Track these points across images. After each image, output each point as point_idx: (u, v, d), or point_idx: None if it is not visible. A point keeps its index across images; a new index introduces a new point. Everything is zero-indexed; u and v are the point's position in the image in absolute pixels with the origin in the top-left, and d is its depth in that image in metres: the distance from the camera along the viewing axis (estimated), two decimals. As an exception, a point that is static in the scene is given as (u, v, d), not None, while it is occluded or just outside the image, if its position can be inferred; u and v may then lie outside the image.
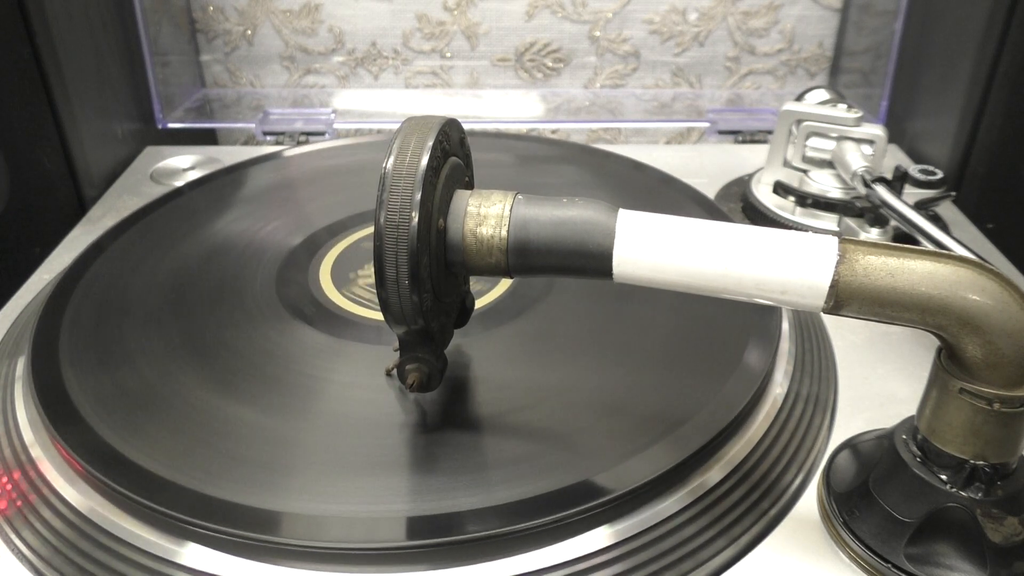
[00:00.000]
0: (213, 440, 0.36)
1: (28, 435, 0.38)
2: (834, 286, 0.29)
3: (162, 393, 0.39)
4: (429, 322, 0.34)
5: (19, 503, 0.36)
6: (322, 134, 0.75)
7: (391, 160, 0.32)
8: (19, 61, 0.59)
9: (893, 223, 0.52)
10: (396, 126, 0.33)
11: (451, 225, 0.33)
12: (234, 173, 0.62)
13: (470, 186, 0.38)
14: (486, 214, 0.33)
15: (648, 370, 0.40)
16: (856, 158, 0.54)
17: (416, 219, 0.31)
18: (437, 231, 0.33)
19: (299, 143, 0.73)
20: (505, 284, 0.47)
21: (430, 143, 0.32)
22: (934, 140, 0.67)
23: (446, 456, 0.35)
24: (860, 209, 0.54)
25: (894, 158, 0.68)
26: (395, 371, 0.37)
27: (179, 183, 0.64)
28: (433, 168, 0.32)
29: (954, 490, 0.31)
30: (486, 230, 0.33)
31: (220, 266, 0.49)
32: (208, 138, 0.87)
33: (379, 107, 0.84)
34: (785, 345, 0.42)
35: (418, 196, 0.31)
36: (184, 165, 0.69)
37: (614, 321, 0.44)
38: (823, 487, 0.36)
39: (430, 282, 0.33)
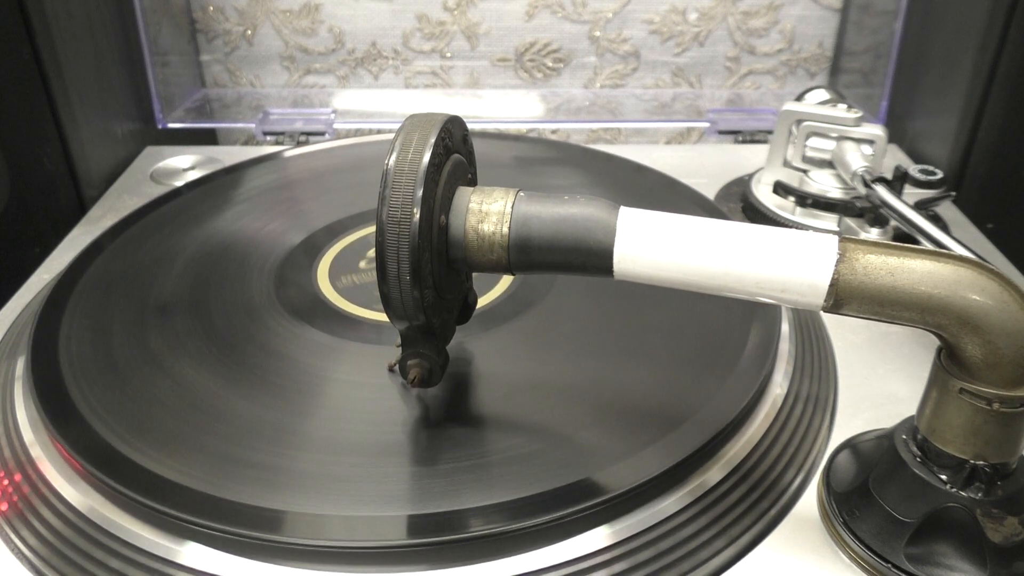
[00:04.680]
0: (213, 439, 0.36)
1: (28, 435, 0.38)
2: (834, 284, 0.29)
3: (162, 392, 0.39)
4: (430, 318, 0.34)
5: (19, 503, 0.36)
6: (322, 134, 0.75)
7: (393, 157, 0.32)
8: (19, 61, 0.59)
9: (893, 223, 0.52)
10: (396, 126, 0.33)
11: (453, 221, 0.33)
12: (234, 173, 0.62)
13: (473, 183, 0.38)
14: (488, 211, 0.33)
15: (648, 369, 0.40)
16: (856, 158, 0.54)
17: (418, 215, 0.31)
18: (439, 227, 0.33)
19: (299, 143, 0.73)
20: (507, 282, 0.47)
21: (432, 140, 0.32)
22: (934, 140, 0.67)
23: (446, 455, 0.35)
24: (860, 209, 0.54)
25: (894, 158, 0.68)
26: (397, 367, 0.37)
27: (179, 183, 0.64)
28: (435, 165, 0.32)
29: (954, 490, 0.31)
30: (488, 227, 0.33)
31: (220, 266, 0.49)
32: (208, 138, 0.87)
33: (379, 107, 0.84)
34: (785, 345, 0.42)
35: (420, 192, 0.31)
36: (184, 165, 0.69)
37: (614, 320, 0.44)
38: (823, 487, 0.36)
39: (432, 278, 0.33)
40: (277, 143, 0.75)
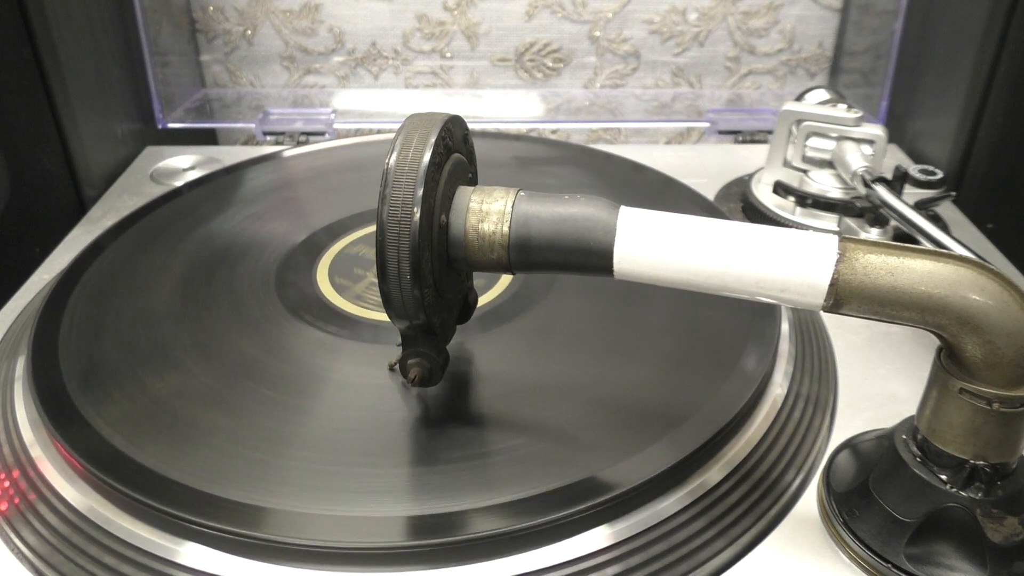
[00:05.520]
0: (213, 439, 0.36)
1: (28, 435, 0.38)
2: (834, 284, 0.29)
3: (161, 392, 0.39)
4: (431, 317, 0.34)
5: (19, 503, 0.36)
6: (322, 134, 0.75)
7: (394, 156, 0.32)
8: (19, 61, 0.59)
9: (893, 223, 0.52)
10: (396, 126, 0.34)
11: (453, 221, 0.33)
12: (234, 173, 0.62)
13: (473, 182, 0.38)
14: (488, 210, 0.33)
15: (648, 369, 0.40)
16: (856, 158, 0.54)
17: (418, 215, 0.31)
18: (439, 227, 0.33)
19: (299, 143, 0.73)
20: (507, 282, 0.47)
21: (433, 140, 0.32)
22: (934, 140, 0.67)
23: (445, 455, 0.35)
24: (860, 209, 0.54)
25: (894, 158, 0.68)
26: (397, 366, 0.37)
27: (179, 183, 0.64)
28: (436, 164, 0.32)
29: (954, 490, 0.31)
30: (488, 226, 0.33)
31: (220, 266, 0.49)
32: (208, 138, 0.87)
33: (379, 107, 0.84)
34: (785, 345, 0.42)
35: (420, 192, 0.31)
36: (184, 165, 0.69)
37: (614, 320, 0.44)
38: (823, 487, 0.36)
39: (432, 277, 0.33)
40: (277, 143, 0.75)
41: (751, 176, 0.63)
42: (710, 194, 0.62)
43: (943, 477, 0.31)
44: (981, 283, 0.28)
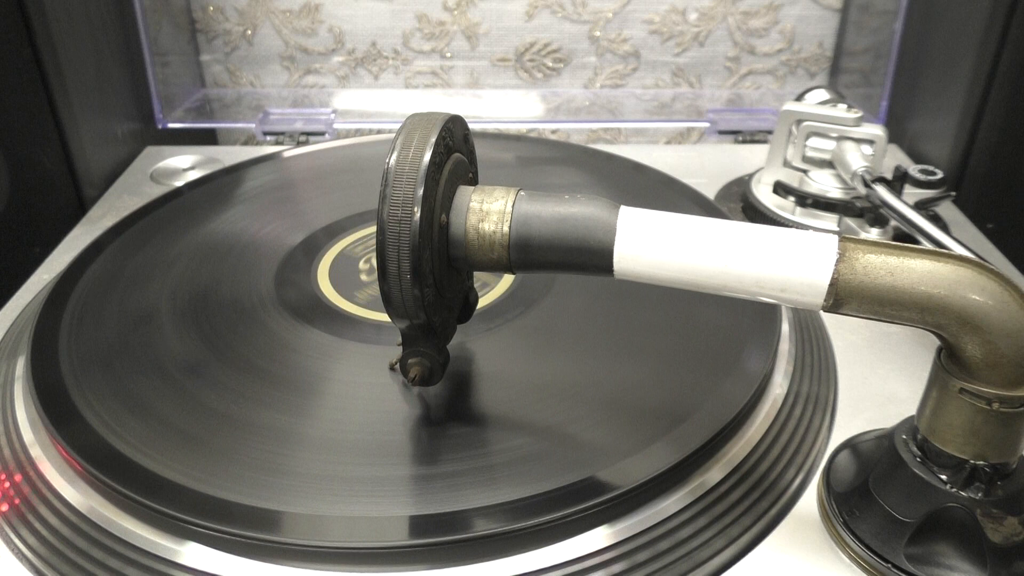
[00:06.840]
0: (213, 439, 0.36)
1: (28, 435, 0.38)
2: (833, 284, 0.29)
3: (162, 392, 0.39)
4: (431, 316, 0.34)
5: (19, 503, 0.36)
6: (322, 134, 0.75)
7: (394, 156, 0.32)
8: (19, 61, 0.59)
9: (893, 223, 0.52)
10: (396, 126, 0.34)
11: (453, 220, 0.33)
12: (234, 173, 0.62)
13: (474, 182, 0.38)
14: (488, 210, 0.33)
15: (648, 369, 0.40)
16: (856, 158, 0.54)
17: (418, 214, 0.31)
18: (439, 226, 0.33)
19: (299, 143, 0.73)
20: (507, 282, 0.47)
21: (433, 139, 0.32)
22: (934, 140, 0.67)
23: (446, 455, 0.35)
24: (860, 209, 0.54)
25: (894, 158, 0.68)
26: (398, 365, 0.37)
27: (179, 183, 0.64)
28: (436, 164, 0.32)
29: (954, 490, 0.31)
30: (488, 226, 0.33)
31: (220, 266, 0.49)
32: (208, 138, 0.87)
33: (379, 107, 0.84)
34: (785, 345, 0.42)
35: (420, 192, 0.31)
36: (184, 165, 0.69)
37: (614, 320, 0.44)
38: (823, 487, 0.36)
39: (432, 277, 0.33)
40: (277, 143, 0.75)
41: (751, 176, 0.63)
42: (710, 194, 0.62)
43: (943, 477, 0.31)
44: (981, 283, 0.28)
